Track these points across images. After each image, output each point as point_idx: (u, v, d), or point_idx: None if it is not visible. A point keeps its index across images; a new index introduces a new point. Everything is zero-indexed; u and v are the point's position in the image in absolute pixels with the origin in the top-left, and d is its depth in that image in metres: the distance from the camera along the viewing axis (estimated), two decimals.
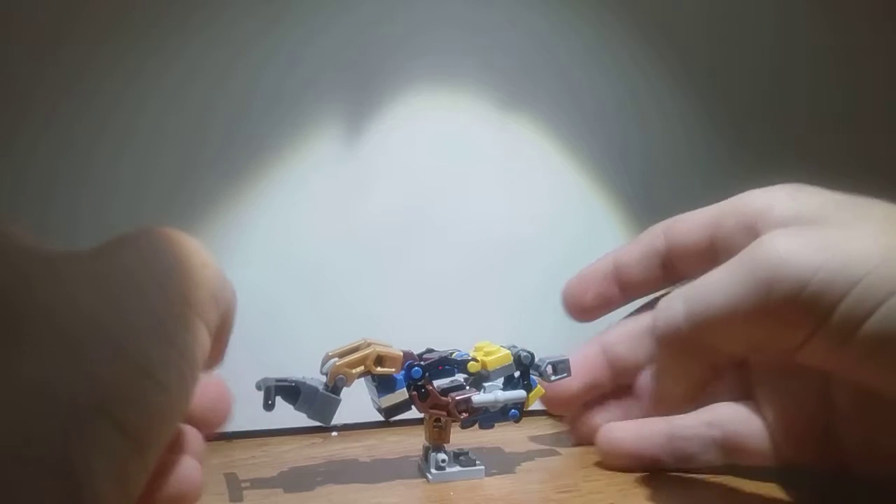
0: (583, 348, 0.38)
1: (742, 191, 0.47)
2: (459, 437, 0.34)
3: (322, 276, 0.41)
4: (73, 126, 0.37)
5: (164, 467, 0.25)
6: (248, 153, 0.40)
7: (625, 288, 0.38)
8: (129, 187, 0.38)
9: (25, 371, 0.18)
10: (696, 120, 0.47)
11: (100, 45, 0.37)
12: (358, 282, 0.41)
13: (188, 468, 0.25)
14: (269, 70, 0.40)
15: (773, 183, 0.48)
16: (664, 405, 0.35)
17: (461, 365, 0.33)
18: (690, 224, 0.36)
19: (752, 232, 0.32)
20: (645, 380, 0.36)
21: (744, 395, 0.34)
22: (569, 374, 0.35)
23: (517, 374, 0.34)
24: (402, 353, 0.32)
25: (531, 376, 0.34)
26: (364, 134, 0.41)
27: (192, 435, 0.26)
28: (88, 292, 0.19)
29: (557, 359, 0.35)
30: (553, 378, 0.34)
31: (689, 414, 0.34)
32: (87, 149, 0.38)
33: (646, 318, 0.37)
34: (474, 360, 0.34)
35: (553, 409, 0.39)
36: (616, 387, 0.37)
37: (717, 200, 0.47)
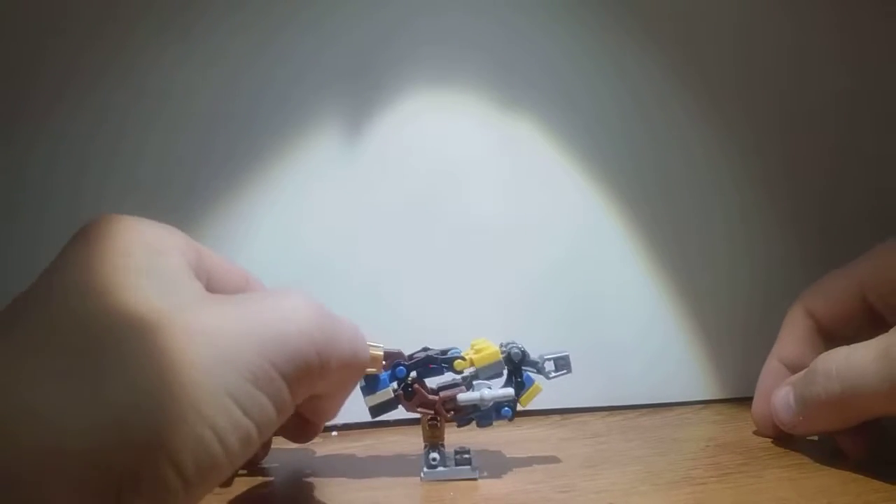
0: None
1: (737, 190, 0.47)
2: (461, 437, 0.34)
3: (328, 272, 0.41)
4: (93, 125, 0.38)
5: None
6: (258, 152, 0.40)
7: None
8: (147, 182, 0.39)
9: (109, 404, 0.19)
10: (698, 118, 0.47)
11: (120, 46, 0.38)
12: (361, 278, 0.41)
13: None
14: (280, 73, 0.40)
15: (772, 184, 0.49)
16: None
17: (448, 363, 0.33)
18: (831, 296, 0.39)
19: None
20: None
21: None
22: (569, 371, 0.35)
23: (509, 371, 0.34)
24: (383, 353, 0.32)
25: (528, 373, 0.34)
26: (369, 134, 0.42)
27: None
28: (185, 352, 0.21)
29: (557, 355, 0.34)
30: (553, 375, 0.34)
31: None
32: (109, 147, 0.38)
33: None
34: (461, 358, 0.33)
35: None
36: None
37: (718, 199, 0.47)
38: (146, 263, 0.23)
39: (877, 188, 0.51)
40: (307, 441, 0.34)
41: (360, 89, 0.41)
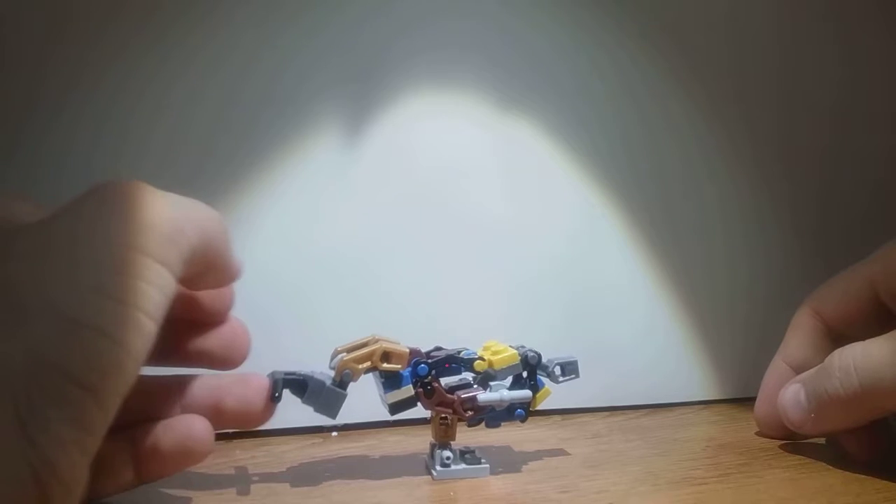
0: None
1: (735, 189, 0.47)
2: (462, 436, 0.34)
3: (328, 273, 0.41)
4: (95, 128, 0.38)
5: (171, 423, 0.27)
6: (260, 154, 0.40)
7: None
8: (154, 167, 0.38)
9: None
10: (696, 118, 0.47)
11: (123, 49, 0.38)
12: (362, 278, 0.41)
13: (196, 426, 0.28)
14: (281, 77, 0.40)
15: (771, 183, 0.49)
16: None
17: (468, 363, 0.33)
18: (841, 296, 0.39)
19: None
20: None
21: None
22: (577, 376, 0.34)
23: (524, 374, 0.34)
24: (408, 350, 0.32)
25: (538, 377, 0.34)
26: (370, 136, 0.42)
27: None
28: (33, 266, 0.22)
29: (566, 360, 0.34)
30: (561, 379, 0.34)
31: None
32: (111, 149, 0.38)
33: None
34: (481, 358, 0.34)
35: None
36: None
37: (717, 199, 0.47)
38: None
39: (875, 187, 0.51)
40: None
41: (361, 92, 0.41)
